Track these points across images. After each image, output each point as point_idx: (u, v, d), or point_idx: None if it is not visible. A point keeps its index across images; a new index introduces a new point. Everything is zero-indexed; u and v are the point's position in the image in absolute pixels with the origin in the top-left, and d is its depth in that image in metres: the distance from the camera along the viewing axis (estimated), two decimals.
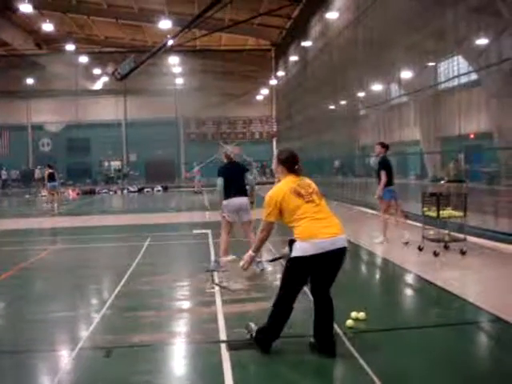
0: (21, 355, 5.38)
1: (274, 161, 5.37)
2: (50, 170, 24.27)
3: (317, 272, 5.01)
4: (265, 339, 5.14)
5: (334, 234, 4.97)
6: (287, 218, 5.04)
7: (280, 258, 5.48)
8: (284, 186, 5.13)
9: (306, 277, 5.04)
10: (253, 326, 5.34)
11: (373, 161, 17.49)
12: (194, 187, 33.15)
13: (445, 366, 4.79)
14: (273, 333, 5.12)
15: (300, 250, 4.90)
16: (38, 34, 36.34)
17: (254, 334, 5.22)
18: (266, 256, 8.98)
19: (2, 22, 33.10)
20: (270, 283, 8.04)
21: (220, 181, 8.95)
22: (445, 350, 5.21)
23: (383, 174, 10.93)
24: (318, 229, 4.92)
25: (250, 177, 9.38)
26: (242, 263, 5.45)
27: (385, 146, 11.37)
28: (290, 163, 5.25)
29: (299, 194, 5.03)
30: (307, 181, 5.25)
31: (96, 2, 31.55)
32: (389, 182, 11.02)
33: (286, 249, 5.17)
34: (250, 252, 5.39)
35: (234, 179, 9.02)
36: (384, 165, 11.12)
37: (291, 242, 5.01)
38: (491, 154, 14.47)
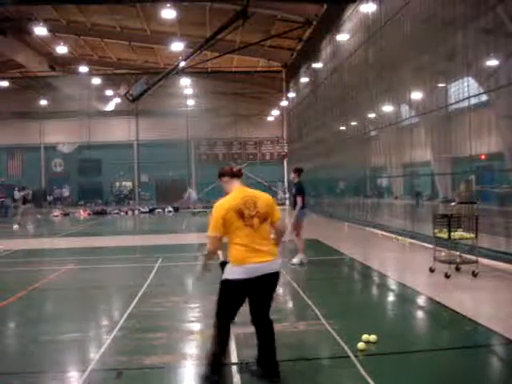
0: (31, 376, 5.40)
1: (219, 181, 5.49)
2: (25, 192, 25.11)
3: (249, 296, 5.09)
4: (213, 365, 5.05)
5: (264, 259, 5.01)
6: (226, 234, 5.10)
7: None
8: (230, 200, 5.17)
9: (237, 300, 5.07)
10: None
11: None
12: (194, 208, 34.51)
13: None
14: (219, 355, 5.07)
15: (229, 273, 5.02)
16: (51, 56, 36.79)
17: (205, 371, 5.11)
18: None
19: (17, 44, 33.54)
20: (280, 305, 8.02)
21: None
22: (457, 373, 5.18)
23: (299, 199, 11.69)
24: (247, 254, 4.99)
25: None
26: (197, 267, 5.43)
27: (297, 172, 12.08)
28: (229, 170, 5.42)
29: (241, 215, 5.06)
30: (255, 196, 5.23)
31: (109, 25, 31.92)
32: (304, 205, 11.87)
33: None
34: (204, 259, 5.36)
35: None
36: (300, 190, 11.87)
37: (223, 264, 5.12)
38: (502, 175, 14.42)
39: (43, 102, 42.40)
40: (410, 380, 5.04)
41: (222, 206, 5.12)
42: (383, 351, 5.78)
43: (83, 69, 36.71)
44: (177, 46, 30.20)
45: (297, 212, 11.73)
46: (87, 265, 13.05)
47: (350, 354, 5.61)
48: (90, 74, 38.67)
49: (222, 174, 5.45)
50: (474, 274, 9.60)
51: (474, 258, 9.82)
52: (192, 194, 34.72)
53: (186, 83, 40.89)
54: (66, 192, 43.92)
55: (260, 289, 5.07)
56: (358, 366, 5.32)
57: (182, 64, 28.34)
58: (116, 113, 43.29)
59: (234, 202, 5.12)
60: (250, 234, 5.05)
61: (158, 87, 32.12)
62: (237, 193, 5.24)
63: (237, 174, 5.43)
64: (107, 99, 42.58)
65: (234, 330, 6.61)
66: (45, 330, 7.11)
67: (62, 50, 32.47)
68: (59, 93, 40.31)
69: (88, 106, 41.64)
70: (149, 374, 5.33)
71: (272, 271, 5.05)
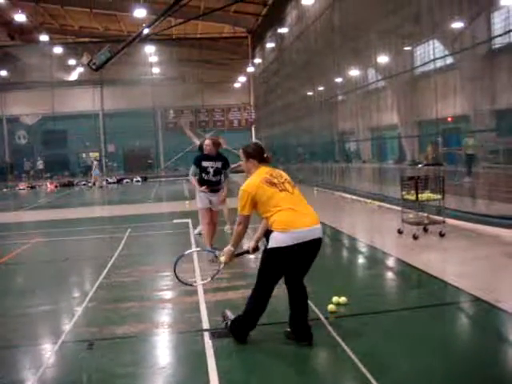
0: (3, 350, 5.34)
1: (242, 157, 5.28)
2: None
3: (293, 263, 4.95)
4: (240, 330, 5.11)
5: (311, 224, 4.91)
6: (262, 209, 4.97)
7: (246, 252, 5.44)
8: (256, 177, 5.08)
9: (283, 268, 4.96)
10: (229, 314, 5.31)
11: None
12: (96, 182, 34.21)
13: (427, 348, 4.84)
14: (249, 324, 5.09)
15: (277, 240, 4.83)
16: (10, 24, 35.73)
17: (229, 323, 5.19)
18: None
19: None
20: (252, 271, 8.04)
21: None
22: (426, 332, 5.27)
23: None
24: (294, 219, 4.85)
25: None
26: (222, 258, 5.35)
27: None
28: (259, 154, 5.24)
29: (272, 184, 4.98)
30: (279, 171, 5.27)
31: None
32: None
33: (250, 244, 5.27)
34: (229, 246, 5.23)
35: None
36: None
37: (268, 234, 4.95)
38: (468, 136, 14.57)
39: (3, 73, 41.27)
40: (381, 340, 5.12)
41: (250, 184, 5.02)
42: (353, 312, 5.86)
43: (44, 38, 35.74)
44: (140, 13, 29.46)
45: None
46: (55, 237, 12.90)
47: (321, 316, 5.67)
48: (51, 43, 37.69)
49: (250, 156, 5.24)
50: (441, 234, 9.75)
51: (441, 218, 9.97)
52: (96, 167, 34.62)
53: (150, 51, 40.27)
54: (40, 165, 42.58)
55: (304, 255, 4.91)
56: (329, 327, 5.38)
57: (146, 31, 27.56)
58: (80, 82, 42.51)
59: (261, 176, 5.05)
60: (288, 197, 4.96)
61: (122, 55, 31.41)
62: (260, 170, 5.16)
63: (265, 160, 5.27)
64: (70, 69, 41.72)
65: (206, 298, 6.64)
66: (14, 303, 7.03)
67: (20, 18, 31.44)
68: (20, 63, 39.35)
69: (51, 76, 40.70)
70: (121, 343, 5.32)
71: (316, 237, 4.92)
